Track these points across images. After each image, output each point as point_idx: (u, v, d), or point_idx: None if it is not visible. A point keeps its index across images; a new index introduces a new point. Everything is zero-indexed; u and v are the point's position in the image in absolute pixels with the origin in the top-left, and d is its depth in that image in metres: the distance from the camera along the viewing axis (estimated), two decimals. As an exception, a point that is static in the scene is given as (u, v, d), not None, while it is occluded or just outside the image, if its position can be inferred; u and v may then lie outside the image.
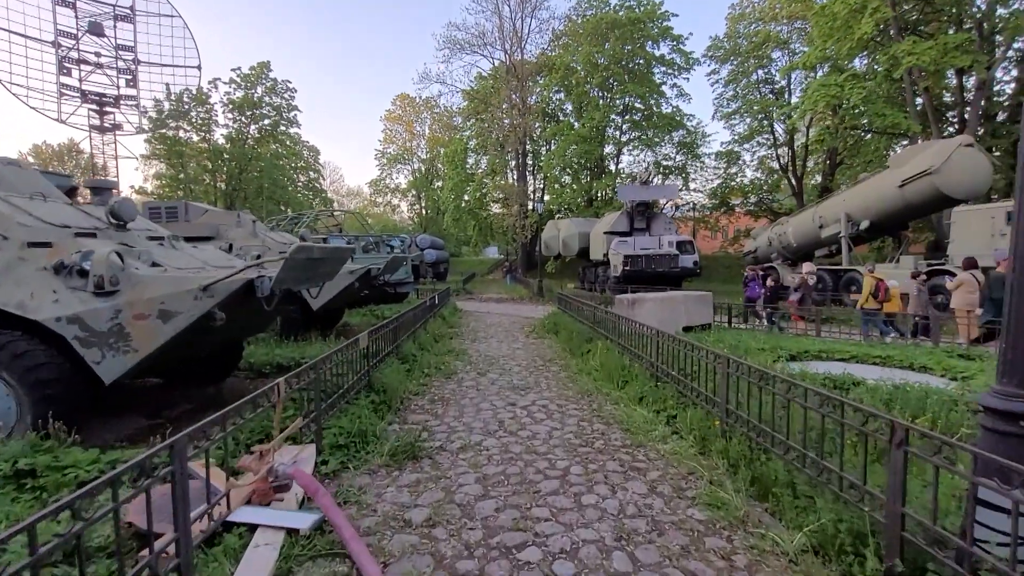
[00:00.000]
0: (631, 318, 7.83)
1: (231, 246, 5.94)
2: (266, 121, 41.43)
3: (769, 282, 12.40)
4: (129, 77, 27.68)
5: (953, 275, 12.94)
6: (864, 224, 17.04)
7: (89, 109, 26.67)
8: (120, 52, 27.20)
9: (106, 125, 27.31)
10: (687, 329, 9.34)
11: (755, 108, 33.95)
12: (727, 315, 11.34)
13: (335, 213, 21.81)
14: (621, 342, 7.60)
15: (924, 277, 11.29)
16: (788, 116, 30.98)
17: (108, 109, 27.19)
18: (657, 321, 8.81)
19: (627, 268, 20.02)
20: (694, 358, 4.97)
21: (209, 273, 4.93)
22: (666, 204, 32.62)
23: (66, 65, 25.61)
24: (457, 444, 4.56)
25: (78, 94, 26.06)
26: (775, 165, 35.59)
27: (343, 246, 5.88)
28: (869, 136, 28.21)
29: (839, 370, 6.27)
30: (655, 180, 29.22)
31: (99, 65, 26.66)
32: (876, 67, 21.92)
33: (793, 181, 33.78)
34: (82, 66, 26.13)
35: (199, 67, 29.28)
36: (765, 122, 34.48)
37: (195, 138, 40.02)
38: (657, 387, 5.71)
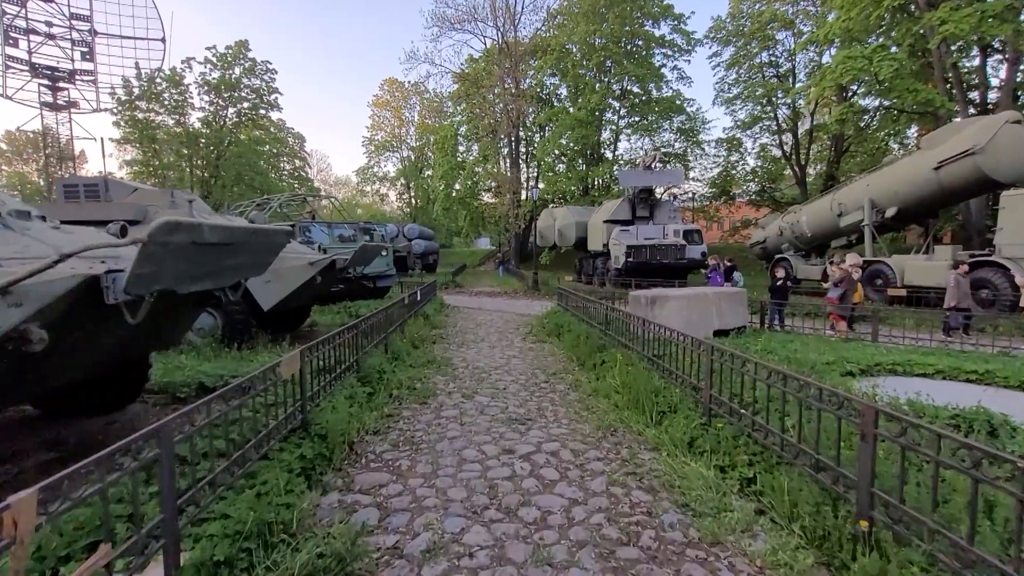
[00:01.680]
0: (652, 319, 6.20)
1: (124, 228, 4.13)
2: (245, 104, 38.94)
3: (780, 272, 10.94)
4: (85, 50, 25.17)
5: (1002, 267, 11.49)
6: (891, 211, 15.58)
7: (40, 84, 24.22)
8: (74, 22, 24.66)
9: (60, 102, 24.85)
10: (719, 333, 7.73)
11: (758, 93, 32.44)
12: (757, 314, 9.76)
13: (309, 198, 19.81)
14: (647, 353, 5.94)
15: (966, 268, 9.82)
16: (798, 98, 29.47)
17: (62, 85, 24.72)
18: (684, 323, 7.21)
19: (630, 259, 18.39)
20: (791, 395, 3.30)
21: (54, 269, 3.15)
22: (664, 192, 31.02)
23: (12, 35, 23.10)
24: (422, 542, 2.84)
25: (27, 67, 23.58)
26: (777, 153, 34.13)
27: (269, 228, 4.13)
28: (876, 122, 26.85)
29: (929, 389, 4.71)
30: (656, 166, 27.59)
31: (51, 36, 24.15)
32: (893, 45, 20.40)
33: (796, 169, 32.43)
34: (31, 36, 23.62)
35: (163, 40, 26.87)
36: (768, 108, 32.98)
37: (169, 122, 37.49)
38: (712, 427, 4.06)
